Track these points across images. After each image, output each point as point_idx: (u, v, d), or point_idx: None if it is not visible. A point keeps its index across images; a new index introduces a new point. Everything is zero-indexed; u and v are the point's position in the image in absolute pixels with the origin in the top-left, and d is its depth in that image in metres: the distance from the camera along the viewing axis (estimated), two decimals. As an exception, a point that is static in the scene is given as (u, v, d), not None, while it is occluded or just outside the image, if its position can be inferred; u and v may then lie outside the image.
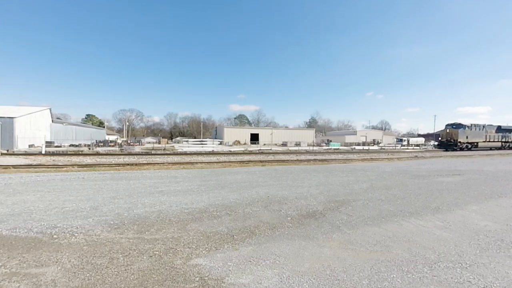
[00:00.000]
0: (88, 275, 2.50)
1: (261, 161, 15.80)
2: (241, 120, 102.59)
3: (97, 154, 20.83)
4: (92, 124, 73.95)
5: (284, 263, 2.82)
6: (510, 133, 38.47)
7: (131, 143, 40.37)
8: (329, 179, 8.67)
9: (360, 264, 2.80)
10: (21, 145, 28.32)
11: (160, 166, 12.92)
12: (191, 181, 8.06)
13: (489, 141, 35.54)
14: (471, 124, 34.10)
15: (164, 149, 29.79)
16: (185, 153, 23.08)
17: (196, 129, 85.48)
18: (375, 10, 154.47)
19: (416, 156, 21.97)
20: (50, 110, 38.56)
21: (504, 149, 36.56)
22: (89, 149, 28.73)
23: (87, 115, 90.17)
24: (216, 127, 72.10)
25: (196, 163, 14.51)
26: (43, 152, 21.33)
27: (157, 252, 3.03)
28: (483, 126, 35.13)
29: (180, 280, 2.43)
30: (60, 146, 32.40)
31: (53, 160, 15.04)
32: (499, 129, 37.19)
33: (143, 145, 42.26)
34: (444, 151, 31.90)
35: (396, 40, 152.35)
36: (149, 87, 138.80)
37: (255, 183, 7.81)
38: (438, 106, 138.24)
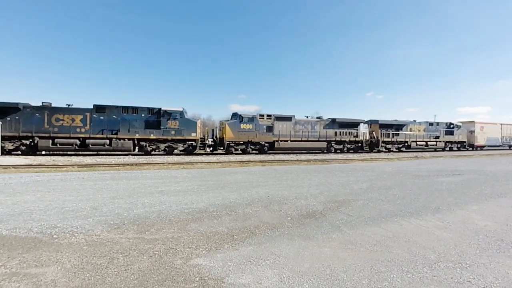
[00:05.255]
0: (88, 275, 2.50)
1: (261, 161, 15.79)
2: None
3: (97, 154, 20.81)
4: (92, 124, 73.75)
5: (284, 263, 2.82)
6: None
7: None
8: (329, 179, 8.67)
9: (360, 264, 2.80)
10: (21, 145, 28.27)
11: (160, 166, 12.91)
12: (191, 181, 8.06)
13: None
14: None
15: (164, 149, 29.73)
16: (185, 153, 23.04)
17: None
18: (375, 12, 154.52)
19: (416, 156, 21.96)
20: (50, 110, 38.50)
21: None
22: (89, 149, 28.66)
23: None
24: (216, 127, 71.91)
25: (196, 163, 14.50)
26: (43, 152, 21.30)
27: (157, 252, 3.03)
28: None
29: (180, 280, 2.43)
30: (60, 146, 32.34)
31: (53, 160, 15.03)
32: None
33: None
34: None
35: (395, 41, 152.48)
36: (148, 87, 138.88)
37: (255, 183, 7.81)
38: (438, 106, 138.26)
